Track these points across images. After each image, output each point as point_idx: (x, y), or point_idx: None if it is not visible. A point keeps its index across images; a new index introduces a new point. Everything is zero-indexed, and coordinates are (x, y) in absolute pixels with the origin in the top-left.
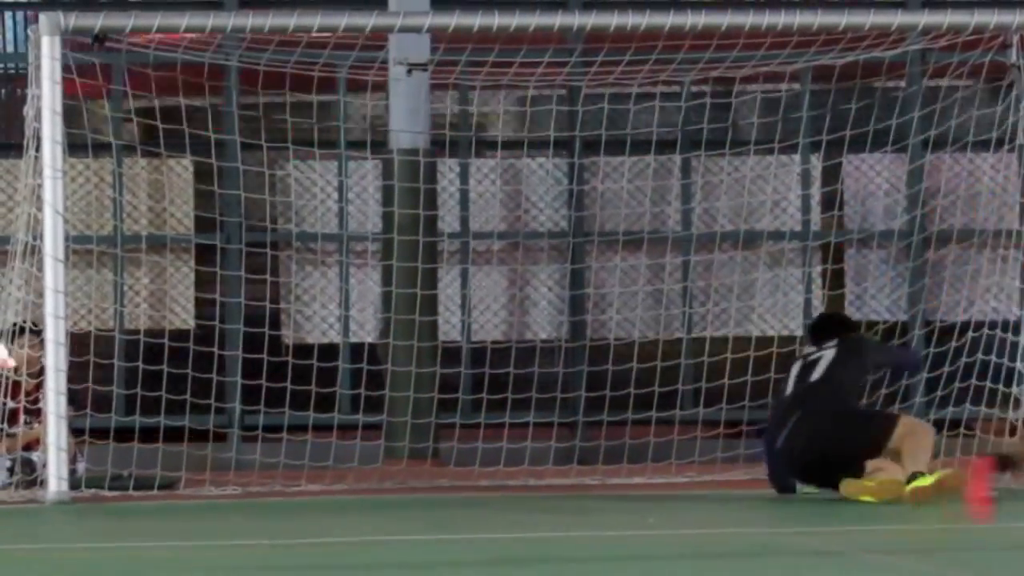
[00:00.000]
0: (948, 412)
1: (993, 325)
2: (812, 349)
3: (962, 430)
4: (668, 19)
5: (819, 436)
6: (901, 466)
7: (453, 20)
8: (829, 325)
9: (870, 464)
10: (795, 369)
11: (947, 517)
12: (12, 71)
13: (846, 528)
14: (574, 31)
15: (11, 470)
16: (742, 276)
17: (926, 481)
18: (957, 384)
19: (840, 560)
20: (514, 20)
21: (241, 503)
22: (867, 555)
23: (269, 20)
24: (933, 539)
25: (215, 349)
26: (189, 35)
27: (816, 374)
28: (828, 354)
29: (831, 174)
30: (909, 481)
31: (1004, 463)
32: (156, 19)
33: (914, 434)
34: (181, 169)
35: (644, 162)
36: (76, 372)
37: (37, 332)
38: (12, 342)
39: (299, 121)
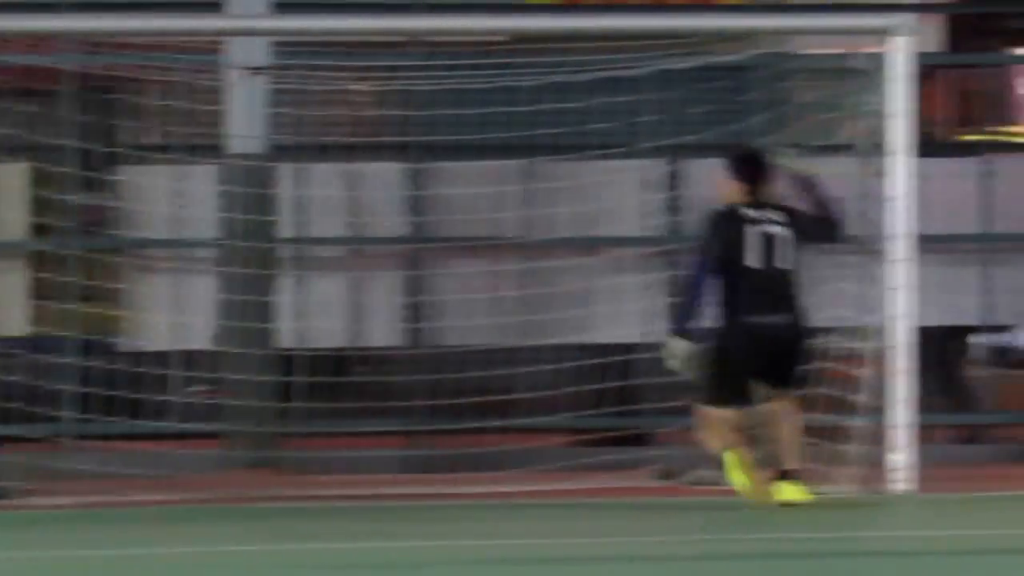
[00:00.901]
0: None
1: (838, 331)
2: (757, 215)
3: (807, 438)
4: (510, 22)
5: (785, 341)
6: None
7: (292, 23)
8: (764, 173)
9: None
10: (753, 236)
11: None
12: None
13: (684, 537)
14: (414, 34)
15: None
16: (583, 283)
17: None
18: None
19: (671, 568)
20: (353, 23)
21: (74, 513)
22: (706, 563)
23: (105, 23)
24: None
25: (49, 356)
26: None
27: (778, 259)
28: (781, 233)
29: (672, 179)
30: (783, 477)
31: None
32: None
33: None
34: (14, 174)
35: (483, 167)
36: None
37: None
38: None
39: (135, 125)
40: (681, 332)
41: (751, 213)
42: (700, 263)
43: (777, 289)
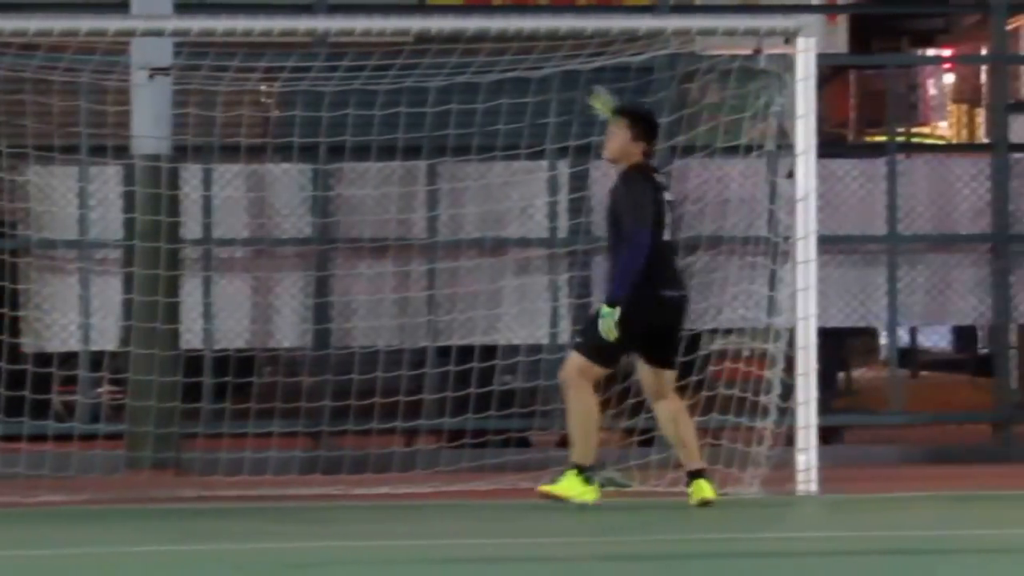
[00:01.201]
0: (695, 421)
1: (742, 333)
2: (661, 179)
3: (709, 439)
4: (414, 23)
5: (680, 315)
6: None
7: (196, 24)
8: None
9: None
10: (662, 203)
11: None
12: None
13: (592, 538)
14: (319, 35)
15: None
16: (489, 284)
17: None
18: (704, 393)
19: (572, 569)
20: (258, 24)
21: None
22: (606, 563)
23: (8, 23)
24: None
25: None
26: None
27: (674, 229)
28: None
29: (578, 180)
30: (696, 476)
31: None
32: None
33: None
34: None
35: (390, 168)
36: None
37: None
38: None
39: (39, 126)
40: (617, 301)
41: (657, 177)
42: (646, 232)
43: (675, 260)
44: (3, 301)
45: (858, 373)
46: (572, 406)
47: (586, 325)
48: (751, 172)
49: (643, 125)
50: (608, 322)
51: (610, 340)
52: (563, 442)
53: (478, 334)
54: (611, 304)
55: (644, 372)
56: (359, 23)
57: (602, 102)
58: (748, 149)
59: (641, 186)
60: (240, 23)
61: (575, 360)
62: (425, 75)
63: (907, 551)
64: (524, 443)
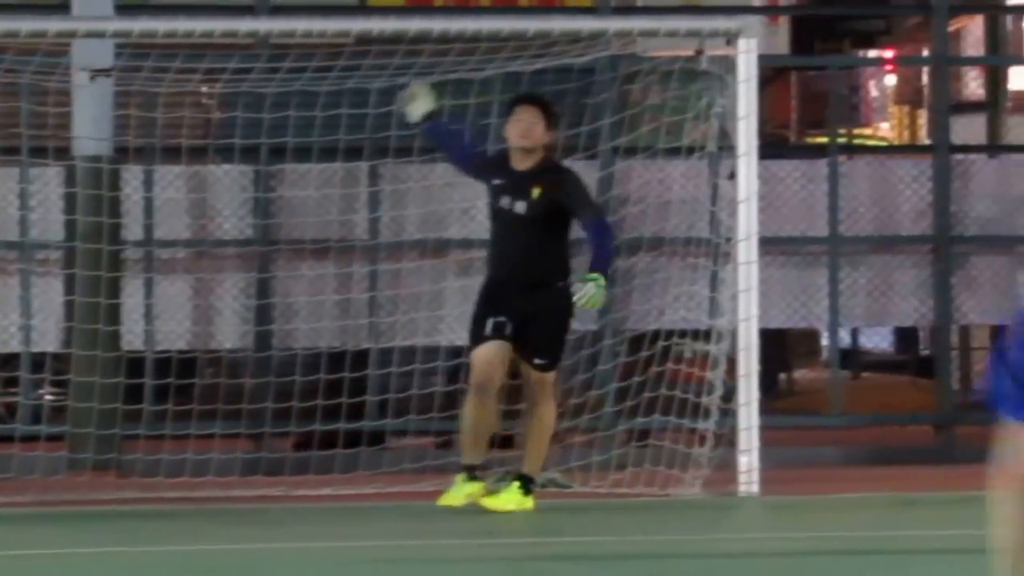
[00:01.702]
0: (637, 422)
1: (684, 335)
2: None
3: (651, 441)
4: (355, 24)
5: None
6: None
7: (137, 25)
8: None
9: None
10: None
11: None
12: None
13: (531, 540)
14: (261, 36)
15: None
16: (431, 285)
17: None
18: (646, 394)
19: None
20: (199, 25)
21: None
22: (544, 564)
23: None
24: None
25: None
26: None
27: None
28: None
29: None
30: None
31: None
32: None
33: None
34: None
35: (331, 169)
36: None
37: None
38: None
39: None
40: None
41: None
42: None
43: None
44: None
45: (799, 374)
46: (545, 420)
47: (550, 342)
48: (693, 173)
49: (552, 115)
50: (601, 291)
51: (595, 307)
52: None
53: (420, 336)
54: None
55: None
56: (300, 24)
57: (423, 95)
58: (690, 150)
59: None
60: (181, 24)
61: (548, 378)
62: (366, 76)
63: (848, 552)
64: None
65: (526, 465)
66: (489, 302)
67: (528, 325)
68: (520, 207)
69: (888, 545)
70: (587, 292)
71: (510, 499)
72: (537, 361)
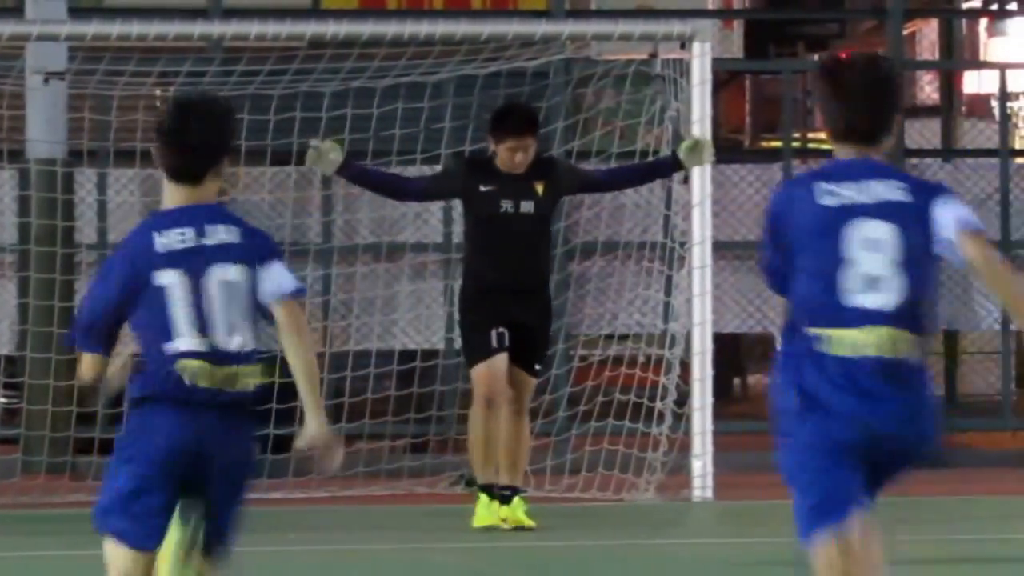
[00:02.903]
0: (591, 427)
1: (638, 338)
2: None
3: (606, 445)
4: (309, 27)
5: None
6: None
7: (91, 29)
8: None
9: None
10: None
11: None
12: None
13: (485, 544)
14: (214, 39)
15: None
16: (384, 289)
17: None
18: (600, 398)
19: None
20: (153, 28)
21: None
22: (496, 568)
23: None
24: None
25: None
26: None
27: None
28: None
29: None
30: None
31: None
32: None
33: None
34: None
35: (285, 172)
36: None
37: None
38: None
39: None
40: None
41: None
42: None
43: None
44: None
45: (754, 379)
46: (525, 432)
47: (545, 348)
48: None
49: (538, 125)
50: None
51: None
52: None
53: (374, 339)
54: None
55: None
56: (254, 27)
57: (328, 149)
58: (643, 154)
59: None
60: (135, 28)
61: (532, 384)
62: (320, 80)
63: (801, 559)
64: (419, 448)
65: (520, 478)
66: (485, 312)
67: (526, 332)
68: (528, 207)
69: None
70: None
71: (523, 514)
72: (536, 367)
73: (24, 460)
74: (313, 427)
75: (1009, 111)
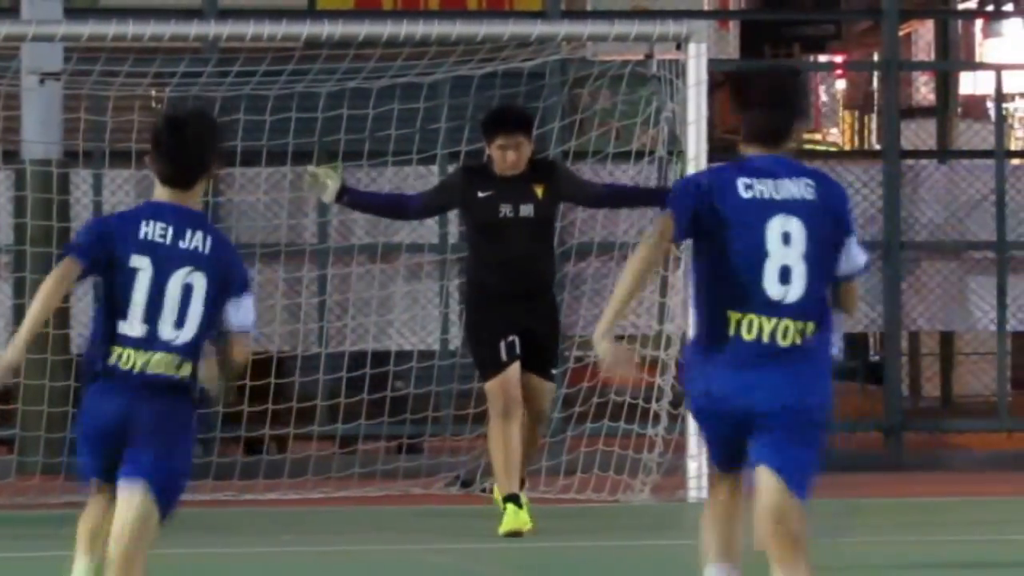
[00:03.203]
0: (587, 428)
1: (633, 339)
2: None
3: (601, 446)
4: (305, 28)
5: None
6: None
7: (87, 29)
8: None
9: None
10: None
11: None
12: None
13: (481, 544)
14: (210, 40)
15: None
16: (380, 290)
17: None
18: (595, 399)
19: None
20: (149, 29)
21: None
22: (491, 568)
23: None
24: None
25: None
26: None
27: None
28: None
29: None
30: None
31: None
32: None
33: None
34: None
35: (280, 173)
36: None
37: None
38: None
39: None
40: None
41: None
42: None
43: None
44: None
45: None
46: (537, 439)
47: (555, 350)
48: (642, 178)
49: (532, 126)
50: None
51: None
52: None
53: (370, 340)
54: None
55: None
56: (249, 28)
57: (326, 175)
58: (639, 155)
59: None
60: (131, 28)
61: (549, 389)
62: (316, 80)
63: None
64: (415, 449)
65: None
66: (493, 324)
67: (536, 337)
68: (528, 210)
69: (835, 552)
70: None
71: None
72: (551, 371)
73: (19, 461)
74: None
75: (1005, 112)
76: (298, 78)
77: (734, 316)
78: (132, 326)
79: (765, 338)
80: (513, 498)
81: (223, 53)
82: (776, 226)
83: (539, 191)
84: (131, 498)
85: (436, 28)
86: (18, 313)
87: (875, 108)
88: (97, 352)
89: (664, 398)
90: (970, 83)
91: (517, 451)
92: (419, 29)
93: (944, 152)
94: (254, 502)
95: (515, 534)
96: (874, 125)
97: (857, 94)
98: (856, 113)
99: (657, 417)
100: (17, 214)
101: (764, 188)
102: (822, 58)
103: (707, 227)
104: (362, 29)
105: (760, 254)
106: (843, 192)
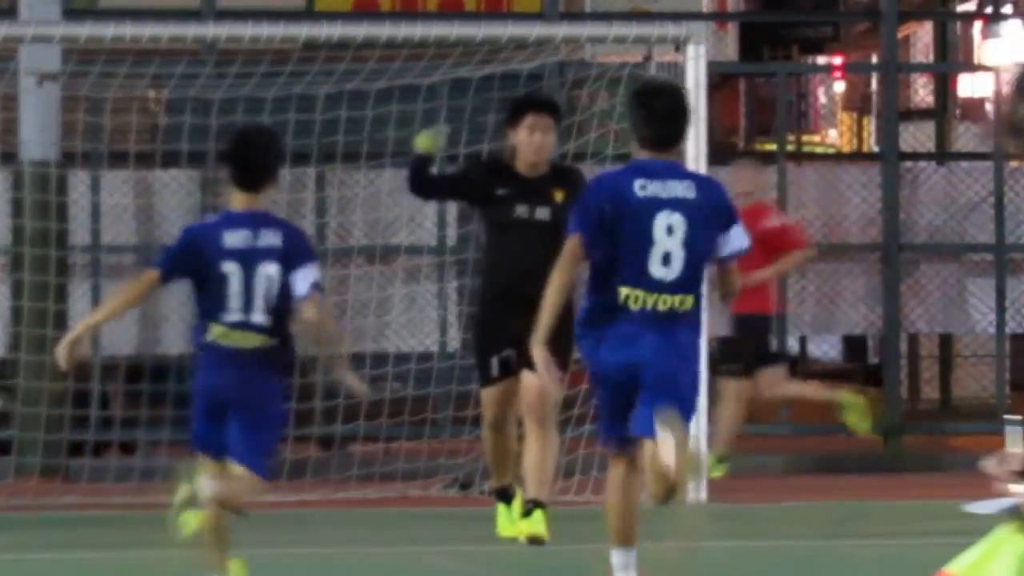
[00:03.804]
0: (585, 430)
1: None
2: None
3: (597, 448)
4: (303, 30)
5: None
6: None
7: (85, 30)
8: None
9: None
10: None
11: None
12: None
13: (480, 547)
14: (208, 42)
15: None
16: (378, 292)
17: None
18: (594, 401)
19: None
20: (147, 31)
21: None
22: (490, 571)
23: None
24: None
25: None
26: None
27: None
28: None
29: None
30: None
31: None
32: None
33: (549, 439)
34: None
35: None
36: None
37: None
38: None
39: None
40: None
41: None
42: None
43: None
44: None
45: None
46: (550, 445)
47: (562, 357)
48: None
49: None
50: None
51: None
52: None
53: (368, 342)
54: None
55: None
56: (247, 30)
57: (432, 138)
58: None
59: None
60: (129, 30)
61: (555, 396)
62: (314, 82)
63: (793, 561)
64: (414, 451)
65: (545, 491)
66: (493, 333)
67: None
68: (544, 213)
69: (834, 554)
70: None
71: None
72: (562, 377)
73: (17, 462)
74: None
75: None
76: (296, 79)
77: (624, 291)
78: (229, 316)
79: (649, 307)
80: (502, 493)
81: (221, 54)
82: (662, 220)
83: (557, 196)
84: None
85: (434, 29)
86: (16, 314)
87: (874, 110)
88: (199, 339)
89: None
90: (969, 85)
91: (509, 453)
92: (417, 30)
93: (943, 154)
94: (250, 504)
95: (537, 539)
96: (873, 127)
97: (856, 96)
98: (855, 115)
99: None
100: (15, 215)
101: (655, 188)
102: (821, 60)
103: (608, 224)
104: (360, 31)
105: (648, 242)
106: (721, 189)
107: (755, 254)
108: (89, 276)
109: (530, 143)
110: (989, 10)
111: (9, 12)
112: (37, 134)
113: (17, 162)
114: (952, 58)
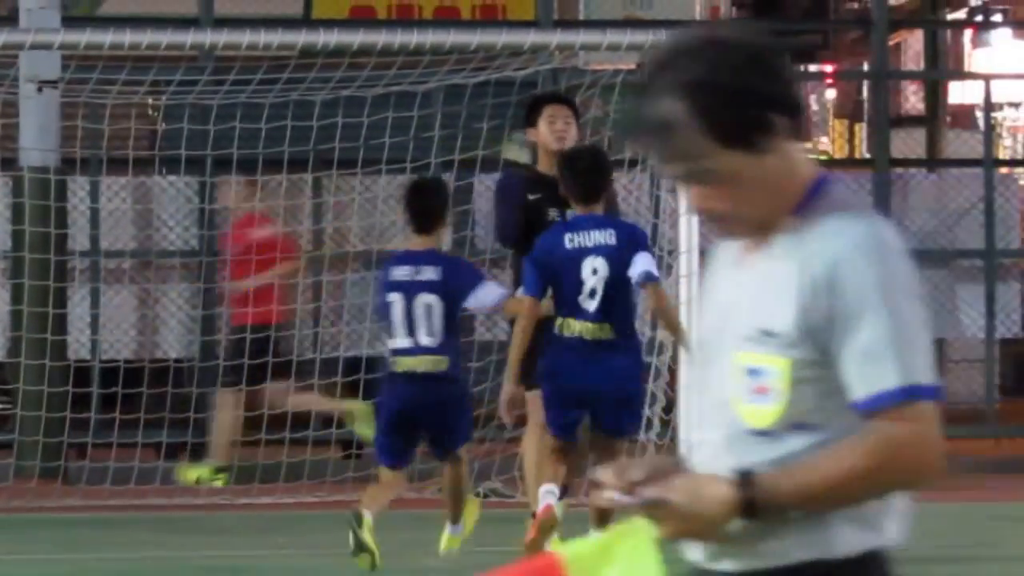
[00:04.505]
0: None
1: None
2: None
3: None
4: (300, 37)
5: None
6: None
7: (84, 37)
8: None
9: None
10: None
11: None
12: None
13: (475, 548)
14: (206, 48)
15: None
16: (374, 297)
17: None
18: None
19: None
20: (145, 37)
21: None
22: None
23: None
24: None
25: None
26: None
27: None
28: None
29: (463, 194)
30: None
31: None
32: None
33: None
34: None
35: (276, 180)
36: None
37: None
38: None
39: None
40: None
41: None
42: None
43: None
44: None
45: None
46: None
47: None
48: (635, 186)
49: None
50: None
51: None
52: None
53: (364, 346)
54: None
55: None
56: (245, 37)
57: (514, 149)
58: (632, 163)
59: None
60: (128, 37)
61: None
62: (311, 89)
63: None
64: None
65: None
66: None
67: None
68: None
69: None
70: None
71: None
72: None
73: (17, 465)
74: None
75: (993, 121)
76: (293, 86)
77: (560, 321)
78: (398, 340)
79: (578, 335)
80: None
81: (219, 61)
82: (588, 264)
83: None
84: None
85: (430, 37)
86: (15, 319)
87: (865, 117)
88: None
89: (656, 404)
90: (959, 92)
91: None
92: (413, 38)
93: (933, 161)
94: (249, 506)
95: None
96: (864, 134)
97: (847, 103)
98: (846, 122)
99: (649, 422)
100: (15, 220)
101: (580, 239)
102: (812, 67)
103: (550, 274)
104: (357, 38)
105: (579, 281)
106: (636, 230)
107: (246, 263)
108: (88, 281)
109: (552, 131)
110: (979, 19)
111: (9, 19)
112: (37, 140)
113: (17, 168)
114: (942, 66)
